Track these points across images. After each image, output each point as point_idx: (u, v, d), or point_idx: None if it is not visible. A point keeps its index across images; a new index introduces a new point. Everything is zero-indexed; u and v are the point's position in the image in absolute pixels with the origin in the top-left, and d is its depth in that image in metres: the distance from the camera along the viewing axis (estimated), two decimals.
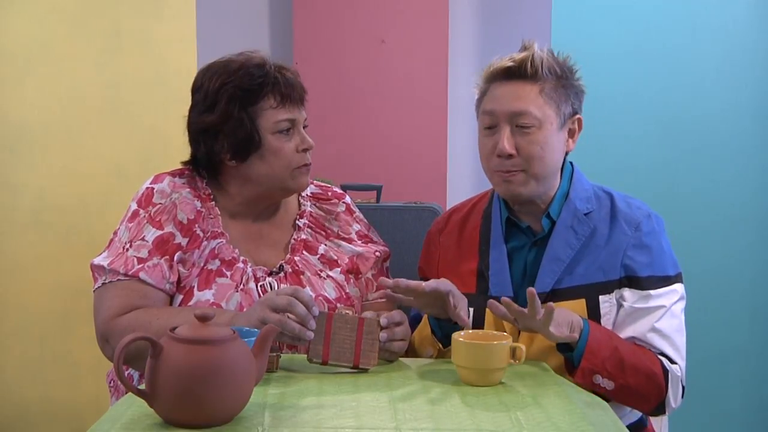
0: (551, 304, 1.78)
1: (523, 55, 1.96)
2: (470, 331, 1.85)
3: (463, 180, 3.61)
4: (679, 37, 3.19)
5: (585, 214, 2.01)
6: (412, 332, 2.05)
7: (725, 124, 3.20)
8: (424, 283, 1.85)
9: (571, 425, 1.52)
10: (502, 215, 2.05)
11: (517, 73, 1.95)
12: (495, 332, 1.81)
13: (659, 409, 1.94)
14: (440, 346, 1.99)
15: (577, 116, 2.01)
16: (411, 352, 2.04)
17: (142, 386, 1.51)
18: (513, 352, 1.75)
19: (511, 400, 1.65)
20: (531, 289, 1.78)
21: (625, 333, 1.95)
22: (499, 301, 1.87)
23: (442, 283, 1.88)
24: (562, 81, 1.97)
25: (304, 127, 2.09)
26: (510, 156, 1.95)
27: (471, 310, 2.01)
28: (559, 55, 2.01)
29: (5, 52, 2.97)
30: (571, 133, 2.02)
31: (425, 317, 2.03)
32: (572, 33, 3.11)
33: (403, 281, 1.85)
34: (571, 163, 2.07)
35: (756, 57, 3.17)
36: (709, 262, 3.17)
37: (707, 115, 3.20)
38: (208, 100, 2.05)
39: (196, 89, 2.09)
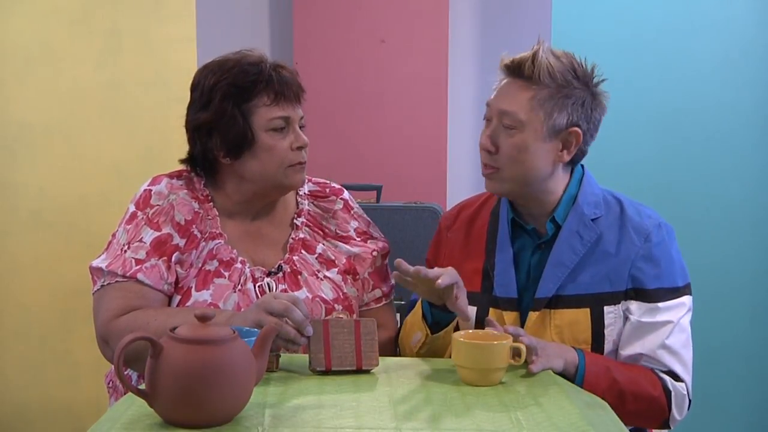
0: (531, 367, 1.77)
1: (523, 55, 1.93)
2: (470, 331, 1.85)
3: (463, 180, 3.61)
4: (678, 37, 3.19)
5: (592, 220, 1.97)
6: (407, 315, 2.06)
7: (725, 122, 3.20)
8: (440, 279, 1.81)
9: (571, 425, 1.52)
10: (507, 215, 2.04)
11: (516, 72, 1.93)
12: (495, 332, 1.81)
13: (663, 425, 1.94)
14: (428, 331, 1.97)
15: (574, 129, 1.92)
16: (403, 335, 2.06)
17: (142, 386, 1.51)
18: (513, 353, 1.75)
19: (511, 400, 1.65)
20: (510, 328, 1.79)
21: (633, 349, 1.93)
22: (503, 301, 1.87)
23: (451, 276, 1.85)
24: (564, 90, 1.91)
25: (301, 127, 2.08)
26: (489, 152, 1.94)
27: (474, 309, 2.00)
28: (584, 62, 1.94)
29: (5, 52, 2.97)
30: (566, 145, 1.95)
31: (420, 301, 2.00)
32: (572, 33, 3.11)
33: (423, 270, 1.83)
34: (582, 166, 2.04)
35: (756, 55, 3.17)
36: (709, 262, 3.17)
37: (707, 114, 3.19)
38: (203, 98, 2.05)
39: (193, 87, 2.10)
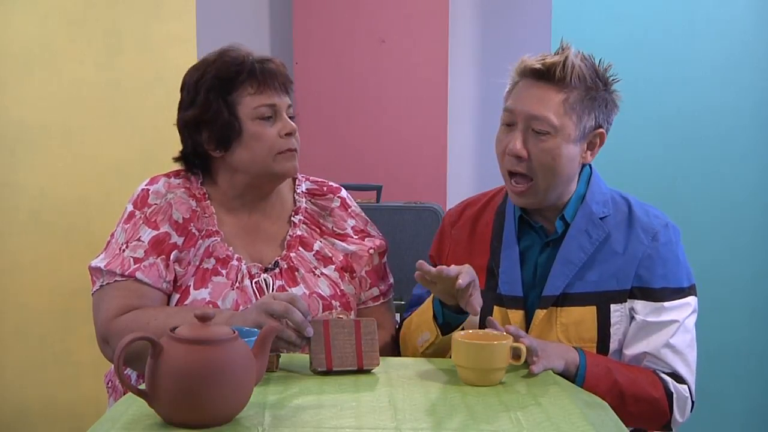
0: (533, 368, 1.77)
1: (555, 59, 1.91)
2: (470, 331, 1.85)
3: (463, 180, 3.60)
4: (678, 37, 3.19)
5: (600, 218, 1.97)
6: (412, 313, 2.06)
7: (725, 122, 3.20)
8: (460, 278, 1.79)
9: (571, 425, 1.52)
10: (515, 213, 2.03)
11: (545, 76, 1.91)
12: (495, 332, 1.81)
13: (665, 427, 1.93)
14: (439, 332, 1.95)
15: (600, 130, 1.95)
16: (406, 333, 2.04)
17: (142, 386, 1.51)
18: (513, 353, 1.75)
19: (511, 400, 1.65)
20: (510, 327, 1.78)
21: (638, 348, 1.93)
22: (508, 299, 1.88)
23: (470, 275, 1.83)
24: (591, 92, 1.92)
25: (291, 117, 2.08)
26: (520, 158, 1.92)
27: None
28: (600, 63, 1.96)
29: (5, 52, 2.97)
30: (591, 146, 1.97)
31: (429, 301, 1.98)
32: (572, 33, 3.10)
33: (445, 270, 1.81)
34: (590, 165, 2.03)
35: (756, 56, 3.17)
36: (709, 262, 3.17)
37: (707, 114, 3.19)
38: (189, 95, 2.08)
39: (181, 88, 2.12)
